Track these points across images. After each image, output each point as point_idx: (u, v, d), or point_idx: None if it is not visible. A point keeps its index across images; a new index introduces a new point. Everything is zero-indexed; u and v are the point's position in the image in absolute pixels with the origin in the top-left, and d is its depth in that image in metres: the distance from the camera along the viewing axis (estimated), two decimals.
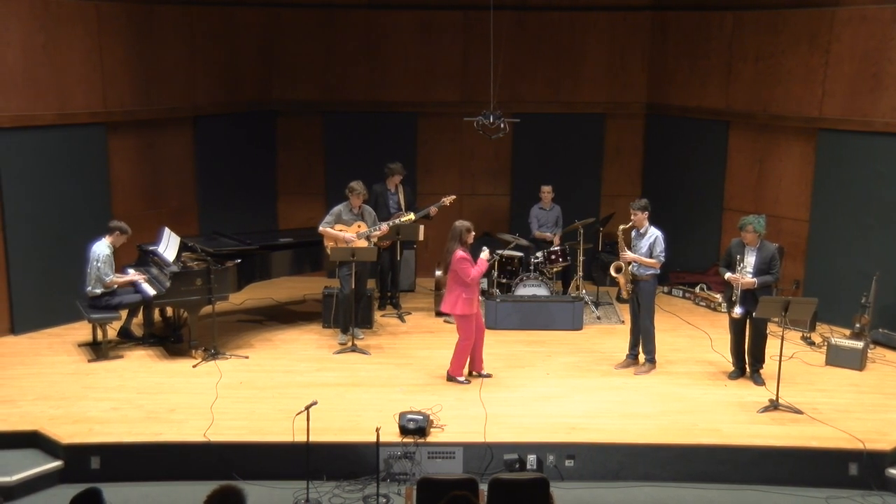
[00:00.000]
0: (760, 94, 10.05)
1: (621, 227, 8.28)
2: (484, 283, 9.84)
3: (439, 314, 9.91)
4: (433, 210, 9.74)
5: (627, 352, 8.45)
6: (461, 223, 7.84)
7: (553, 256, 10.06)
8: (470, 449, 6.82)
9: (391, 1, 10.98)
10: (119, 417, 7.13)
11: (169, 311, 9.28)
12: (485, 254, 7.89)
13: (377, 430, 6.19)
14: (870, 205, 9.20)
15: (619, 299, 10.14)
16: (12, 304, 8.96)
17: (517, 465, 6.75)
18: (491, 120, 8.84)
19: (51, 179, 9.01)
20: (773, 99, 9.94)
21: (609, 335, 9.37)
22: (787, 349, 7.88)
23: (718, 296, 10.19)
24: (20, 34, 8.57)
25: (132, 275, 8.77)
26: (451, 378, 8.00)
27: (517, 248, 10.13)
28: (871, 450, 6.75)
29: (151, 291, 8.51)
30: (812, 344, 9.07)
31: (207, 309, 8.49)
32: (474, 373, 8.12)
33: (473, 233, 7.85)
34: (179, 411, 7.26)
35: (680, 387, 7.95)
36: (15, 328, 9.02)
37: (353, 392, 7.74)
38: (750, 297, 7.75)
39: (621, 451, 6.88)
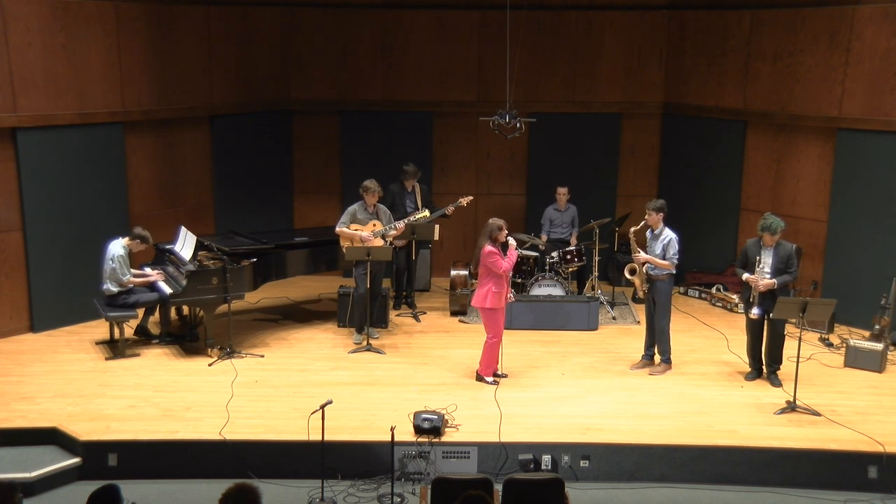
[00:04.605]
0: (779, 93, 9.97)
1: (632, 228, 8.26)
2: None
3: (454, 314, 9.92)
4: (450, 209, 9.72)
5: (643, 352, 8.41)
6: (494, 221, 7.75)
7: (569, 256, 10.03)
8: (485, 449, 6.82)
9: (407, 0, 10.99)
10: (136, 415, 7.19)
11: (185, 309, 9.33)
12: (512, 243, 7.83)
13: (392, 429, 6.19)
14: (890, 205, 9.10)
15: (635, 299, 10.11)
16: (32, 302, 9.06)
17: (532, 466, 6.75)
18: (507, 119, 8.81)
19: (70, 178, 9.09)
20: (791, 98, 9.86)
21: (624, 335, 9.34)
22: (804, 351, 7.82)
23: (735, 296, 10.13)
24: (40, 34, 8.65)
25: (150, 274, 8.83)
26: (479, 378, 7.96)
27: (532, 247, 10.11)
28: (891, 453, 6.68)
29: (168, 290, 8.57)
30: (830, 345, 8.99)
31: (223, 308, 8.55)
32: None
33: (506, 231, 7.81)
34: (195, 409, 7.30)
35: (696, 388, 7.91)
36: (34, 326, 9.12)
37: (367, 391, 7.75)
38: (768, 298, 7.69)
39: (637, 451, 6.84)
